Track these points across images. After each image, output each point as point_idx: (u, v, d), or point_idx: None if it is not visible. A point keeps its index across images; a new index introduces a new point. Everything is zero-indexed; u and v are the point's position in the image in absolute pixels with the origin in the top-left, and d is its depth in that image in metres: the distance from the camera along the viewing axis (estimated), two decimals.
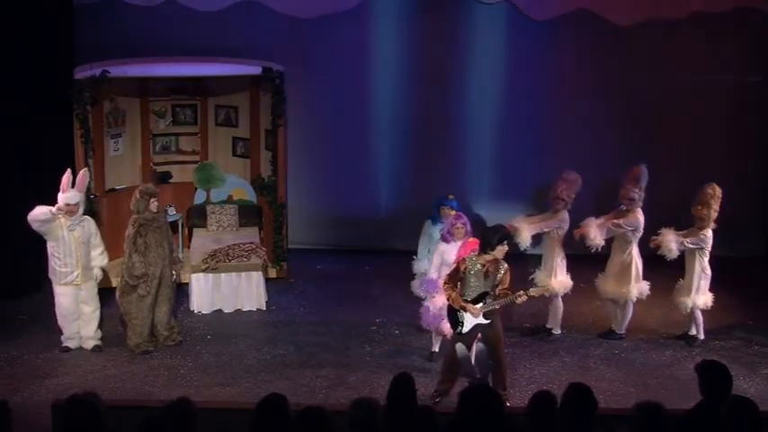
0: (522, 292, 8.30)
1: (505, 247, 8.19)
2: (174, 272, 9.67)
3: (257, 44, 11.64)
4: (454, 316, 8.39)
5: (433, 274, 9.10)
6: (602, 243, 9.71)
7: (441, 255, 9.02)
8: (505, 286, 8.31)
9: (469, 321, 8.31)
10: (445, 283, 8.43)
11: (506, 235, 8.25)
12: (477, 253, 8.33)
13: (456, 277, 8.34)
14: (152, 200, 9.35)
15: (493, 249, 8.16)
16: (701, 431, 5.70)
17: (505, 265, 8.31)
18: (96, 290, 9.55)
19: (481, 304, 8.26)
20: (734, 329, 10.31)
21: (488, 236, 8.21)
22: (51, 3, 10.48)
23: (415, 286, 9.75)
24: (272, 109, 11.10)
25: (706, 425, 5.66)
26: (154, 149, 11.85)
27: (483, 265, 8.24)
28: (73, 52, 10.69)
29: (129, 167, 11.61)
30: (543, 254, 9.95)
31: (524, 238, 9.58)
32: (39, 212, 9.04)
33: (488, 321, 8.32)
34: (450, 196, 9.59)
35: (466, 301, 8.27)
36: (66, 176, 9.15)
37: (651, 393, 8.45)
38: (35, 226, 9.12)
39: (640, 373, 9.35)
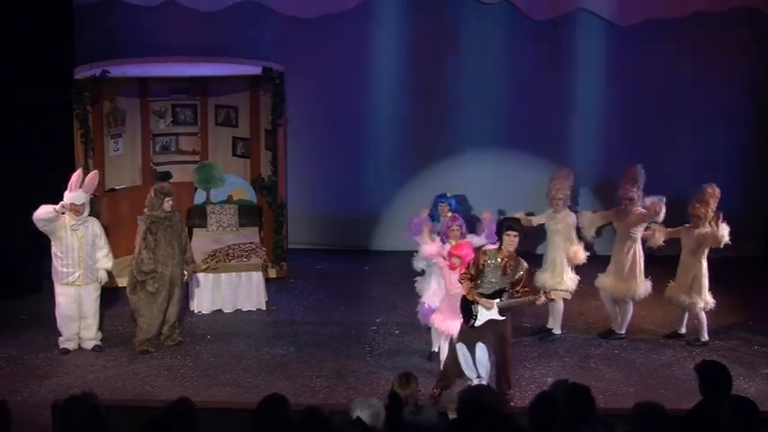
0: (542, 293, 8.31)
1: (511, 237, 8.10)
2: (185, 272, 9.66)
3: (257, 44, 11.65)
4: (468, 308, 8.32)
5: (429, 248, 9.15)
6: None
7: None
8: (525, 287, 8.30)
9: (483, 315, 8.24)
10: (462, 274, 8.37)
11: (510, 225, 8.18)
12: (496, 248, 8.30)
13: (474, 269, 8.26)
14: (166, 199, 9.36)
15: (501, 239, 8.17)
16: (701, 431, 5.70)
17: (525, 265, 8.28)
18: (98, 292, 9.51)
19: (498, 300, 8.23)
20: (734, 329, 10.31)
21: (498, 227, 8.31)
22: (51, 3, 10.48)
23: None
24: (272, 109, 11.10)
25: (706, 425, 5.65)
26: (154, 149, 11.85)
27: (502, 260, 8.20)
28: (73, 52, 10.69)
29: (129, 167, 11.61)
30: (549, 253, 9.88)
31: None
32: (42, 211, 9.02)
33: (503, 318, 8.28)
34: (449, 193, 9.62)
35: (481, 295, 8.23)
36: (76, 175, 9.15)
37: (651, 393, 8.45)
38: (40, 225, 9.11)
39: (640, 373, 9.34)
